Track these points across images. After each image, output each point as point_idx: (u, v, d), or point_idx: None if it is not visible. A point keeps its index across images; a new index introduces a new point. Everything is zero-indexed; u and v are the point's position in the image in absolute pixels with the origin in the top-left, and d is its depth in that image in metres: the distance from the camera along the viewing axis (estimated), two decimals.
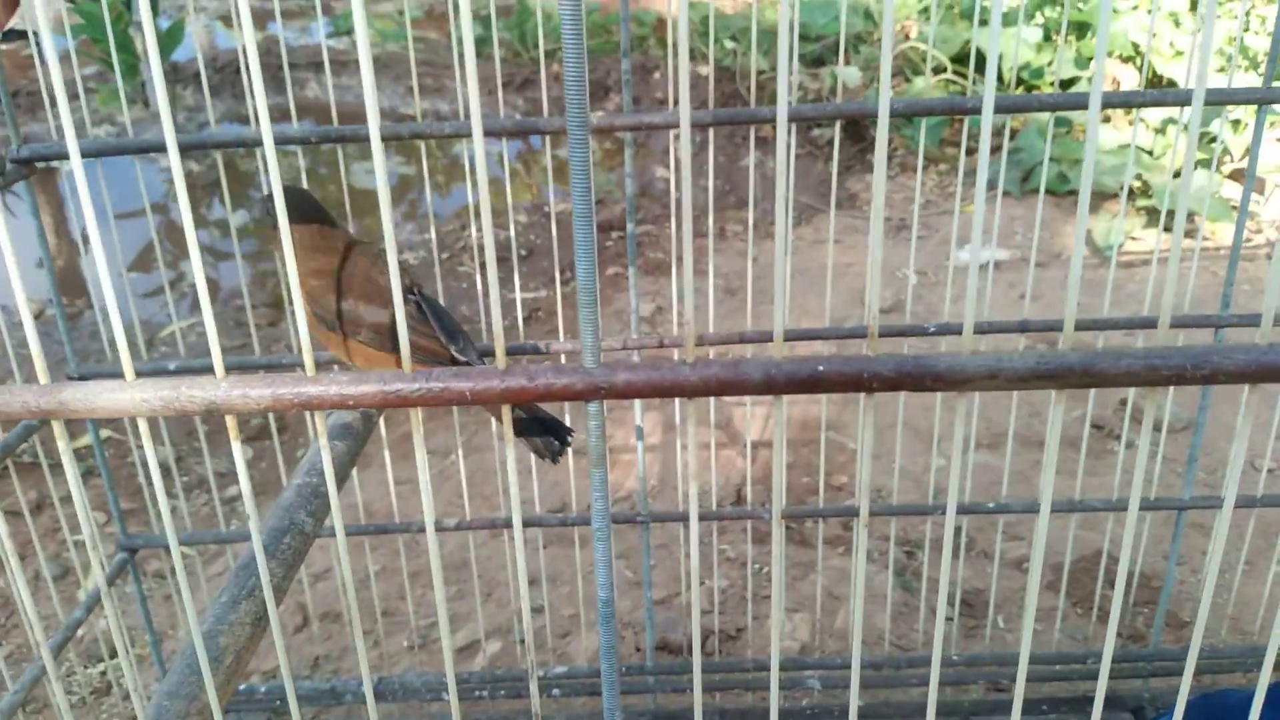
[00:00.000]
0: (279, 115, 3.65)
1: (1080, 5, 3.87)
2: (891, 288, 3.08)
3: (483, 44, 4.57)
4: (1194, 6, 3.65)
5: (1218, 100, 1.12)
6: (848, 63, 4.20)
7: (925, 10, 4.38)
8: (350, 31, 5.12)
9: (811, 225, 3.54)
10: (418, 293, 1.01)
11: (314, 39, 5.44)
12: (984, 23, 3.99)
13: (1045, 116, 3.57)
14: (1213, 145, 3.35)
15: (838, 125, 1.31)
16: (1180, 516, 1.34)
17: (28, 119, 4.41)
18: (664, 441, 2.36)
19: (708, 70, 4.49)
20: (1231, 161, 3.37)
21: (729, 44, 4.32)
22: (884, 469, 2.25)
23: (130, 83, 4.21)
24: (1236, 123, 3.33)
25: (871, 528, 2.03)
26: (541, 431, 1.00)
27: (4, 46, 5.92)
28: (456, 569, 1.89)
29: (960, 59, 4.00)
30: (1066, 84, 3.74)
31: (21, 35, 5.58)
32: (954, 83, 3.94)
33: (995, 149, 3.75)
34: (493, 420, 1.53)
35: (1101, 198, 3.30)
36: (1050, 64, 3.83)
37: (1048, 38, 3.92)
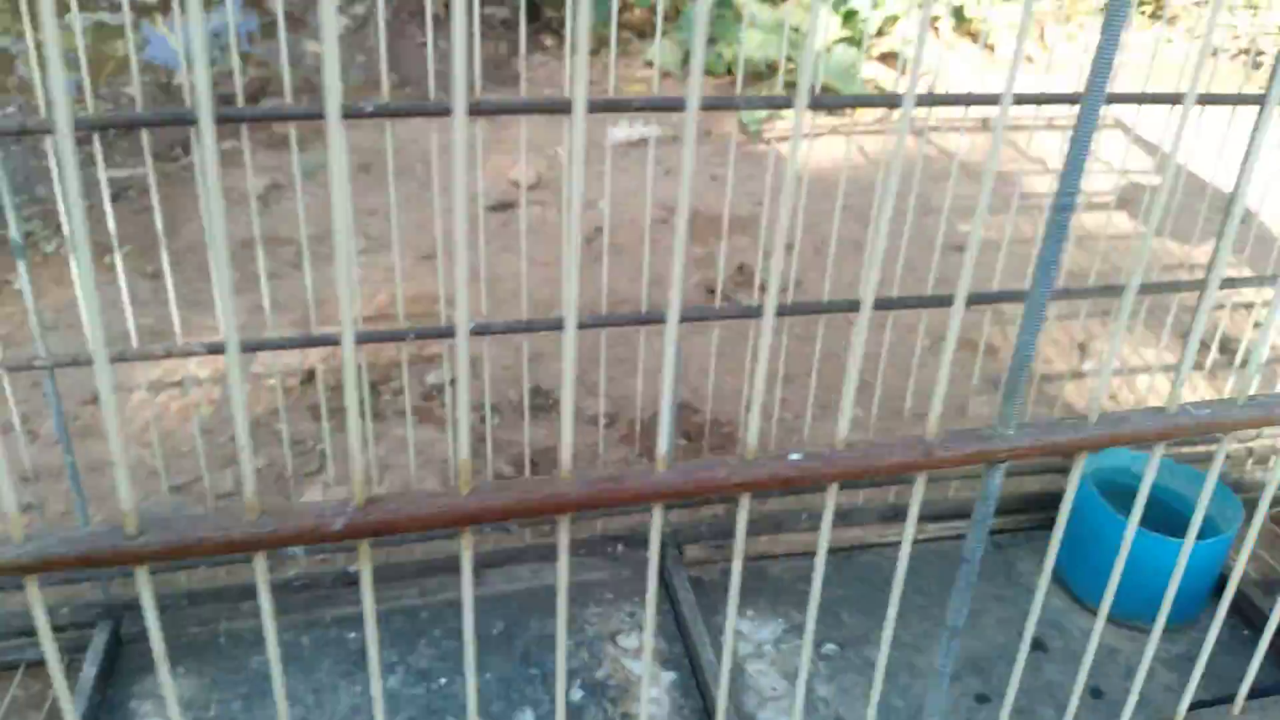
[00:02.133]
0: None
1: None
2: (537, 167, 2.93)
3: None
4: None
5: None
6: None
7: None
8: None
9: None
10: None
11: None
12: None
13: None
14: (861, 24, 3.39)
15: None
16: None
17: None
18: None
19: None
20: (876, 44, 3.43)
21: None
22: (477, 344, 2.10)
23: None
24: (878, 3, 3.38)
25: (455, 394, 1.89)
26: None
27: None
28: None
29: None
30: None
31: None
32: None
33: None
34: None
35: (755, 76, 3.27)
36: None
37: None
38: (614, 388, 1.94)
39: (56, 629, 1.22)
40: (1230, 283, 1.53)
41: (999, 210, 2.80)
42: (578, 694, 1.18)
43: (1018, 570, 1.41)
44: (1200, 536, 1.33)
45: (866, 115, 3.21)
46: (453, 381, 1.88)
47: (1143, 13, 3.95)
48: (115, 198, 2.58)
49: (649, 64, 3.52)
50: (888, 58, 3.38)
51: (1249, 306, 2.31)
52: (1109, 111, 2.76)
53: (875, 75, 3.34)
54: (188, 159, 2.81)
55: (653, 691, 1.18)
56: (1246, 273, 2.29)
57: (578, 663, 1.22)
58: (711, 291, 2.34)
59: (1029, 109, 3.13)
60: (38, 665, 1.22)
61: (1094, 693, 1.24)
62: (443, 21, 3.78)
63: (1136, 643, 1.31)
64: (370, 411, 1.84)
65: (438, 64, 3.47)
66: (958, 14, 3.51)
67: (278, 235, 2.55)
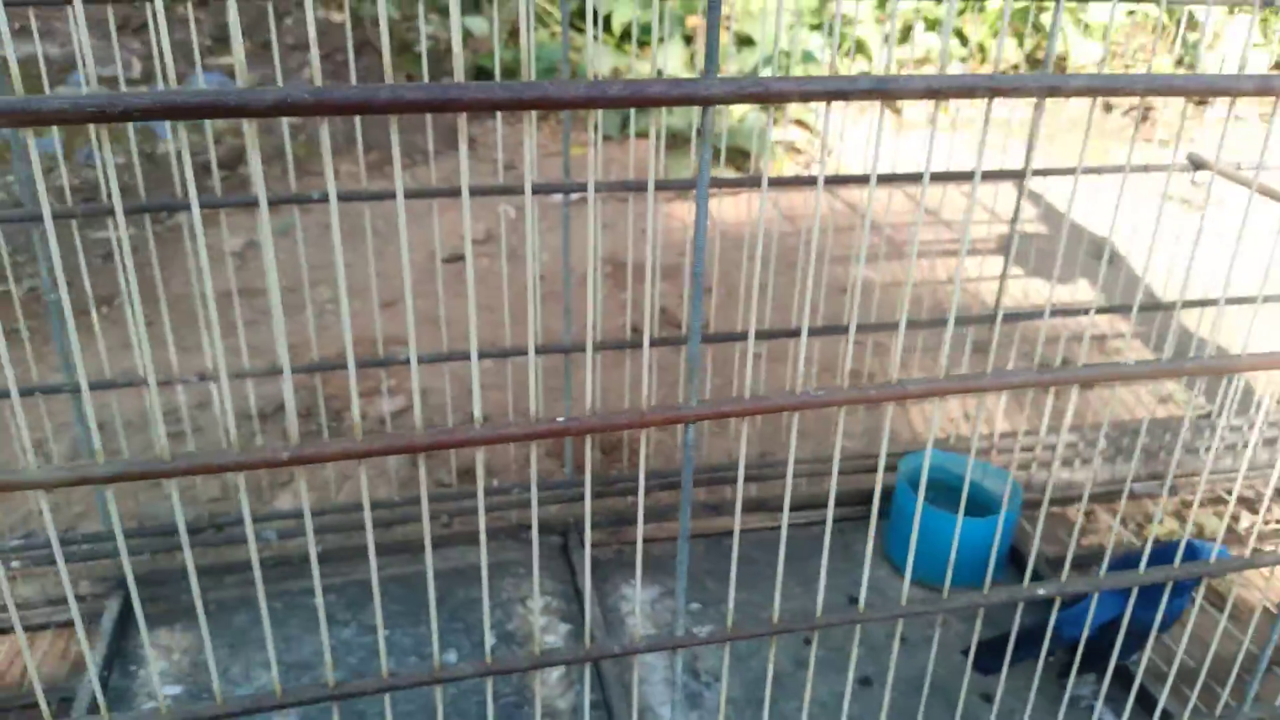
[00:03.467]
0: None
1: None
2: (486, 223, 3.29)
3: None
4: None
5: None
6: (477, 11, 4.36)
7: None
8: None
9: (439, 165, 3.70)
10: None
11: None
12: None
13: (644, 67, 3.91)
14: None
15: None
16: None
17: None
18: None
19: (342, 18, 4.51)
20: (789, 109, 3.84)
21: None
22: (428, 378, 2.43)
23: None
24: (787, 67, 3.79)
25: None
26: None
27: None
28: None
29: (580, 13, 4.26)
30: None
31: None
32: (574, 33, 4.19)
33: None
34: None
35: (681, 139, 3.67)
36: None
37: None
38: (545, 411, 2.28)
39: (77, 598, 1.53)
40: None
41: (893, 256, 3.19)
42: (492, 639, 1.51)
43: (853, 550, 1.76)
44: (989, 514, 1.69)
45: (787, 171, 3.60)
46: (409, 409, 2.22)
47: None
48: (108, 258, 2.91)
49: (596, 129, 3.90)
50: (800, 122, 3.79)
51: (1103, 337, 2.69)
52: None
53: (789, 137, 3.74)
54: (173, 220, 3.15)
55: (551, 638, 1.51)
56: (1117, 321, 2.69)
57: (494, 620, 1.55)
58: (636, 331, 2.69)
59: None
60: (65, 626, 1.54)
61: (902, 639, 1.58)
62: None
63: (935, 602, 1.65)
64: (329, 435, 2.17)
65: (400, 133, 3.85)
66: None
67: (252, 287, 2.89)
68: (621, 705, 1.38)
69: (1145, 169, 1.74)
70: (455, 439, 0.80)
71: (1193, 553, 1.36)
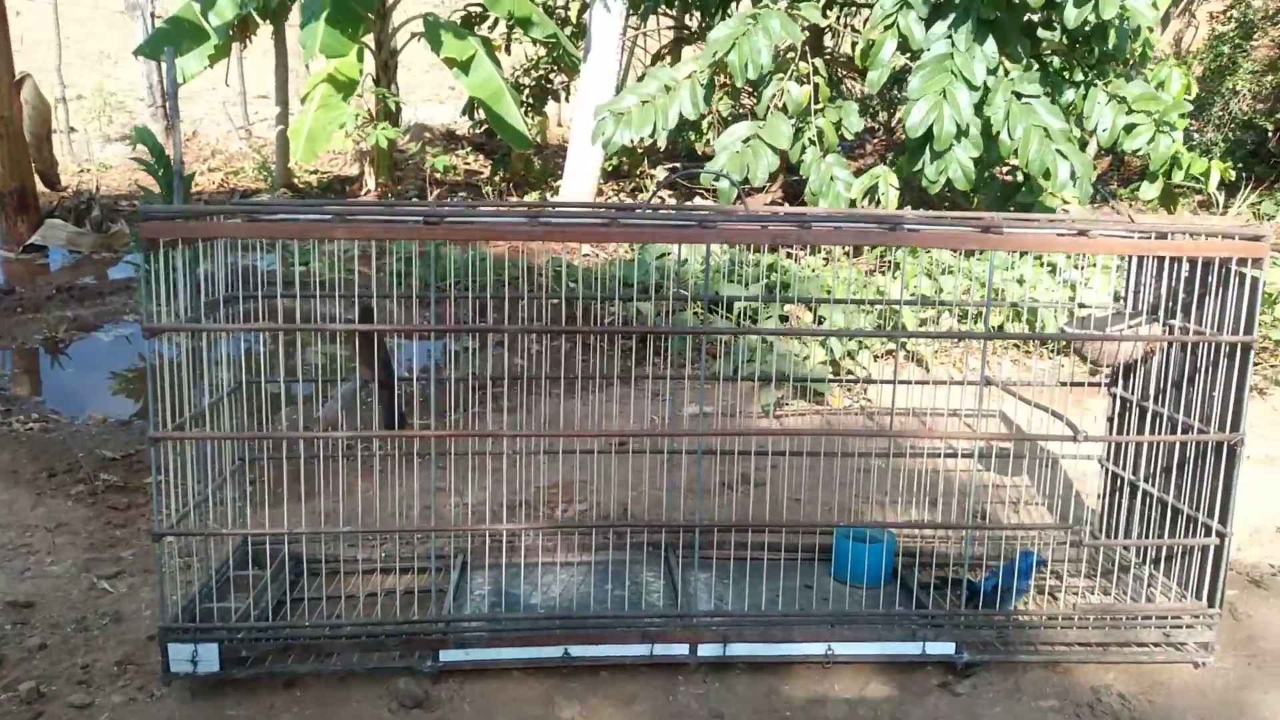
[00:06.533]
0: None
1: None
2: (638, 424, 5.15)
3: (401, 277, 6.72)
4: None
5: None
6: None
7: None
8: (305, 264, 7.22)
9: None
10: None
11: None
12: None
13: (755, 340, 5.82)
14: (832, 353, 5.62)
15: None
16: None
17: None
18: None
19: (556, 302, 6.68)
20: (845, 363, 5.63)
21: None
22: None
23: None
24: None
25: None
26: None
27: (24, 257, 8.17)
28: None
29: (715, 303, 6.28)
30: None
31: (39, 249, 8.30)
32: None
33: (714, 355, 5.96)
34: None
35: (763, 380, 5.50)
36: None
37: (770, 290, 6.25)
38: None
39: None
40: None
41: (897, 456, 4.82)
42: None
43: (818, 572, 3.39)
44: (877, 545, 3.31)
45: (831, 403, 5.36)
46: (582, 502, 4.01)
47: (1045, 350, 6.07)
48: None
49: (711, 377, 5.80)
50: (849, 374, 5.59)
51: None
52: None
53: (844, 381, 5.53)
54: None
55: (656, 586, 3.20)
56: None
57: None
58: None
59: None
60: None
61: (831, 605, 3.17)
62: None
63: (856, 592, 3.24)
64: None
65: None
66: (905, 350, 5.73)
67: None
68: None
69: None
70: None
71: (1028, 556, 3.02)
